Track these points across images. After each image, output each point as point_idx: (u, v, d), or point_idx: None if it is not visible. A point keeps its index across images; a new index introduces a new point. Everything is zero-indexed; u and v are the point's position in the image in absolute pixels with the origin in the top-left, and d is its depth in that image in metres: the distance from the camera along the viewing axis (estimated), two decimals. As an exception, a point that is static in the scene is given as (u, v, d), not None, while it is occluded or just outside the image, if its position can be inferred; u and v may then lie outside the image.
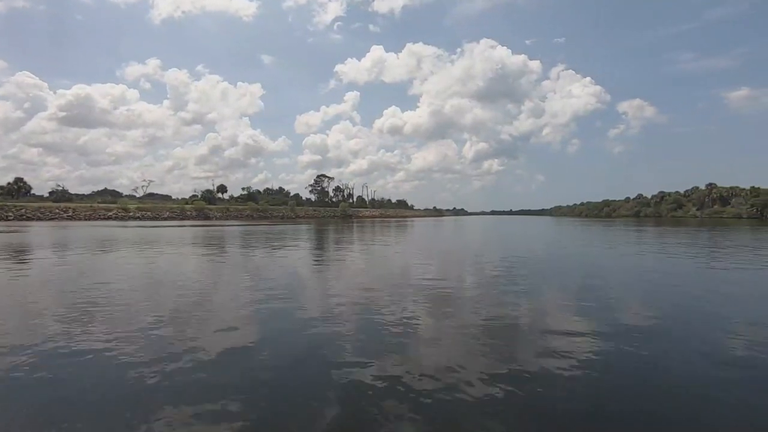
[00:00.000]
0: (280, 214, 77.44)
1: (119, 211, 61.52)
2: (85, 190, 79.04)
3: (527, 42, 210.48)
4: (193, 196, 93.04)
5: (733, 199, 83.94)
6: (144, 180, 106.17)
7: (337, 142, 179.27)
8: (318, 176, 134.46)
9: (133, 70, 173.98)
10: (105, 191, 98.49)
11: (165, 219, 62.97)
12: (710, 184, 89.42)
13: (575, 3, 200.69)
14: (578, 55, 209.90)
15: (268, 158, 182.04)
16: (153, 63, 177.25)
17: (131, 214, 61.51)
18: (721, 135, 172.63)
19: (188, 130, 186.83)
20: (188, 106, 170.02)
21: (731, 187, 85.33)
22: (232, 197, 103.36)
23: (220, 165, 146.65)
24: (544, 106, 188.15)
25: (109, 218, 57.57)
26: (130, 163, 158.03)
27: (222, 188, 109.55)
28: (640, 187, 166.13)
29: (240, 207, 75.37)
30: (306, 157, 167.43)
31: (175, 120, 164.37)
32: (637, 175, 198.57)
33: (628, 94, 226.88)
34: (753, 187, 77.28)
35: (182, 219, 64.73)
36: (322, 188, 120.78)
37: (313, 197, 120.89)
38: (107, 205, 65.11)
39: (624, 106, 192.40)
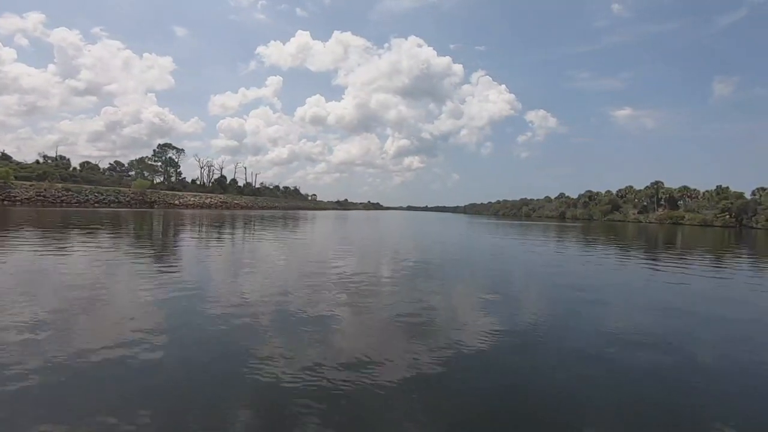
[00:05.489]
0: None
1: None
2: None
3: (451, 46, 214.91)
4: None
5: (683, 202, 67.39)
6: None
7: (255, 128, 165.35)
8: (160, 146, 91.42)
9: (7, 23, 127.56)
10: None
11: None
12: (656, 182, 72.00)
13: (495, 15, 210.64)
14: (496, 63, 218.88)
15: (177, 140, 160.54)
16: (34, 17, 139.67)
17: None
18: (609, 148, 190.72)
19: (80, 101, 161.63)
20: (81, 74, 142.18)
21: (682, 187, 68.46)
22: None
23: (118, 144, 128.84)
24: (463, 108, 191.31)
25: None
26: (1, 134, 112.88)
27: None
28: (544, 191, 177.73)
29: None
30: (221, 142, 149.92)
31: (62, 88, 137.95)
32: (541, 179, 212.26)
33: (536, 104, 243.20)
34: (720, 186, 59.83)
35: None
36: (143, 161, 78.50)
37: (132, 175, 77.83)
38: None
39: (531, 115, 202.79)
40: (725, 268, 13.15)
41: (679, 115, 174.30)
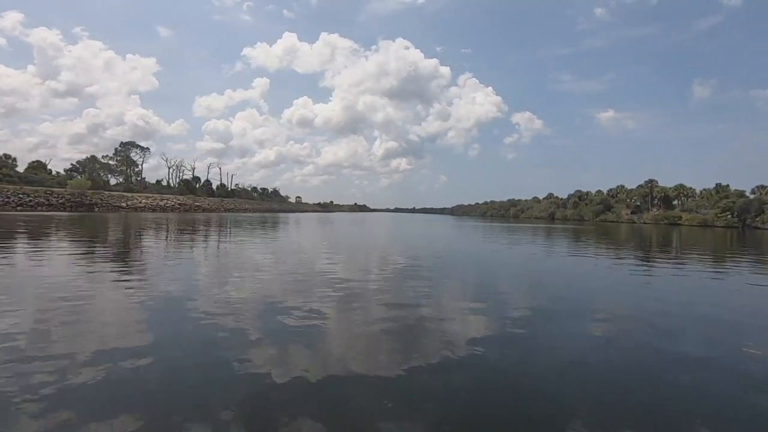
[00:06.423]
0: None
1: None
2: None
3: (438, 48, 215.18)
4: None
5: (678, 201, 63.69)
6: None
7: (242, 130, 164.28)
8: (122, 144, 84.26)
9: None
10: None
11: None
12: (650, 181, 68.15)
13: (480, 18, 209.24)
14: (483, 65, 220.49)
15: (161, 142, 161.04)
16: (12, 17, 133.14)
17: None
18: (595, 149, 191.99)
19: (61, 103, 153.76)
20: (61, 75, 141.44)
21: (677, 186, 64.70)
22: None
23: (101, 146, 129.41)
24: (450, 110, 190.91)
25: None
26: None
27: None
28: (532, 192, 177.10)
29: None
30: (206, 144, 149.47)
31: (42, 89, 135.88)
32: (529, 180, 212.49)
33: (521, 106, 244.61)
34: (719, 184, 56.04)
35: None
36: (95, 159, 71.32)
37: (80, 177, 70.45)
38: None
39: (517, 117, 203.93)
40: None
41: (661, 117, 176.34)
